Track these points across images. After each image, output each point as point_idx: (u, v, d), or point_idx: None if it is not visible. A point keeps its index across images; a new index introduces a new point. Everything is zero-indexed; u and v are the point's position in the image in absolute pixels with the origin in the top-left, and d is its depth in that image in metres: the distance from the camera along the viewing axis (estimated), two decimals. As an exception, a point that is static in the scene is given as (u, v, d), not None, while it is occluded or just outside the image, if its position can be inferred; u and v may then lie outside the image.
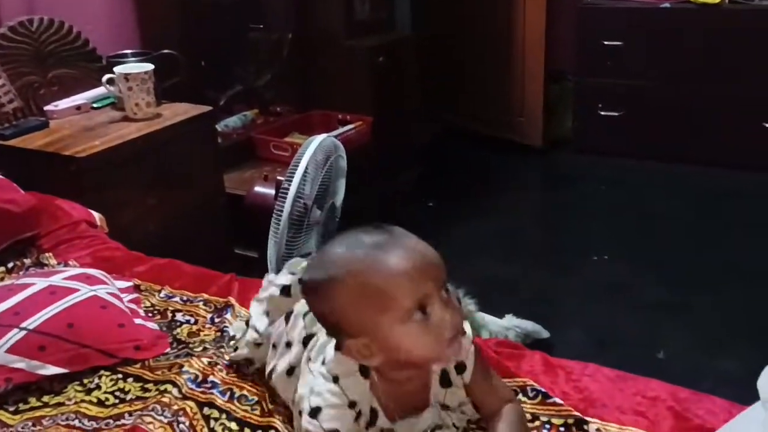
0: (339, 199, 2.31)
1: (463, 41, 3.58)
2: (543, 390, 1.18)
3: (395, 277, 0.90)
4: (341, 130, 2.72)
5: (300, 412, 1.00)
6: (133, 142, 2.07)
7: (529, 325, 2.13)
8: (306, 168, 2.13)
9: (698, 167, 3.12)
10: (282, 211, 2.06)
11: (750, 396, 0.98)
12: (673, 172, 3.16)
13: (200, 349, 1.35)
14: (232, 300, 1.49)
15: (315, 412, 0.97)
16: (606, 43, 3.18)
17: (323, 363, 1.01)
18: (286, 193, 2.08)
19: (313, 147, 2.15)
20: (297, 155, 2.15)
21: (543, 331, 2.15)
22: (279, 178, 2.17)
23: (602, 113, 3.27)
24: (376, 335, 0.92)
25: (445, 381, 1.03)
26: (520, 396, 1.18)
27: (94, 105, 2.32)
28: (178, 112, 2.25)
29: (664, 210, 2.95)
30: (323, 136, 2.22)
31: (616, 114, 3.24)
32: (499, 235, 2.85)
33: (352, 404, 0.98)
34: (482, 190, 3.20)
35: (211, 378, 1.26)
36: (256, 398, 1.21)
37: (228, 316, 1.44)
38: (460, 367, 1.03)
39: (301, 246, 2.14)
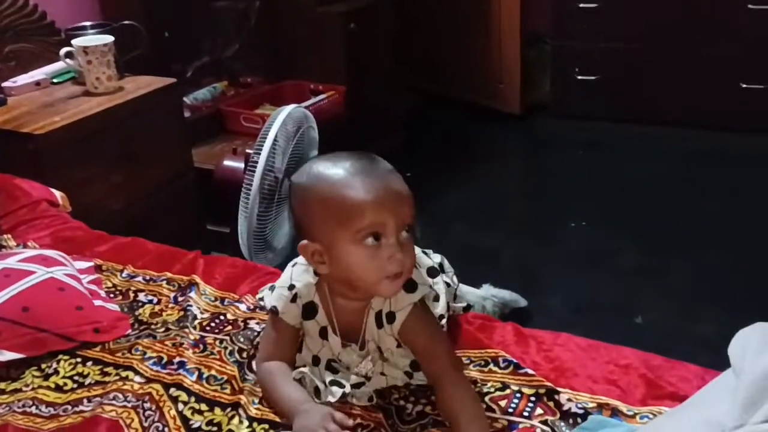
0: (311, 171, 2.26)
1: (439, 6, 3.50)
2: (514, 360, 1.16)
3: (358, 200, 0.98)
4: (313, 100, 2.66)
5: None
6: (94, 118, 2.01)
7: (506, 294, 2.10)
8: (275, 140, 2.07)
9: (677, 129, 3.09)
10: (251, 184, 2.01)
11: (724, 362, 0.96)
12: (652, 134, 3.13)
13: (162, 330, 1.31)
14: (197, 278, 1.45)
15: (270, 290, 1.14)
16: (582, 6, 3.12)
17: None
18: (255, 167, 2.03)
19: (281, 118, 2.10)
20: (265, 127, 2.10)
21: (520, 300, 2.12)
22: (248, 151, 2.12)
23: (579, 77, 3.22)
24: (329, 246, 1.01)
25: (378, 322, 1.09)
26: (491, 366, 1.15)
27: (54, 80, 2.25)
28: (141, 85, 2.18)
29: (642, 174, 2.93)
30: (292, 106, 2.17)
31: (593, 78, 3.20)
32: (478, 203, 2.82)
33: (291, 287, 1.11)
34: (461, 159, 3.15)
35: (177, 359, 1.22)
36: (225, 377, 1.18)
37: (192, 294, 1.39)
38: (390, 316, 1.08)
39: (272, 220, 2.10)
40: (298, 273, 1.12)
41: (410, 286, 1.07)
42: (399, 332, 1.07)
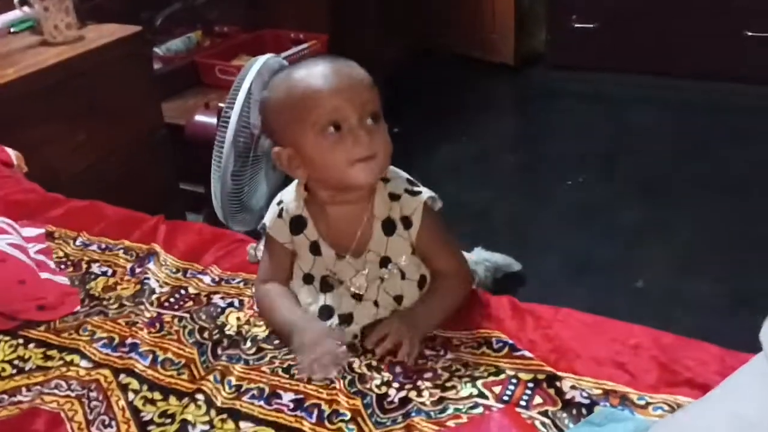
0: (290, 126, 2.09)
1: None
2: (509, 341, 1.01)
3: (311, 91, 0.98)
4: (293, 50, 2.47)
5: None
6: (52, 69, 1.82)
7: (499, 258, 1.95)
8: (249, 92, 1.89)
9: (679, 80, 2.91)
10: (224, 141, 1.84)
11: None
12: (653, 85, 2.95)
13: (116, 306, 1.16)
14: (157, 247, 1.29)
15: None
16: (580, -53, 2.91)
17: None
18: (228, 122, 1.85)
19: (255, 68, 1.91)
20: (238, 78, 1.90)
21: (514, 264, 1.98)
22: (221, 105, 1.93)
23: (577, 25, 3.02)
24: (298, 147, 1.00)
25: (389, 229, 1.05)
26: (483, 348, 1.01)
27: (12, 29, 2.05)
28: (103, 34, 1.99)
29: (643, 126, 2.76)
30: (268, 55, 1.97)
31: (591, 26, 3.00)
32: (469, 160, 2.65)
33: (279, 203, 1.10)
34: (451, 113, 2.97)
35: (130, 340, 1.07)
36: (183, 361, 1.03)
37: (151, 265, 1.24)
38: (406, 221, 1.05)
39: (249, 180, 1.93)
40: (290, 189, 1.10)
41: (413, 192, 1.06)
42: (417, 236, 1.04)
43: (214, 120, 1.96)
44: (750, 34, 2.78)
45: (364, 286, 1.04)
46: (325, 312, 1.05)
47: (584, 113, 2.92)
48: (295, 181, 1.09)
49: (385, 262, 1.05)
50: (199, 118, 2.03)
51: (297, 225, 1.07)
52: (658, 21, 2.92)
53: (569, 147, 2.69)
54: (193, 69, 2.47)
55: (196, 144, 2.01)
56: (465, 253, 1.93)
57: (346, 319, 1.04)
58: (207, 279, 1.20)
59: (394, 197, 1.04)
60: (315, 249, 1.06)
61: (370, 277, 1.04)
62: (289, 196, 1.09)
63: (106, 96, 1.95)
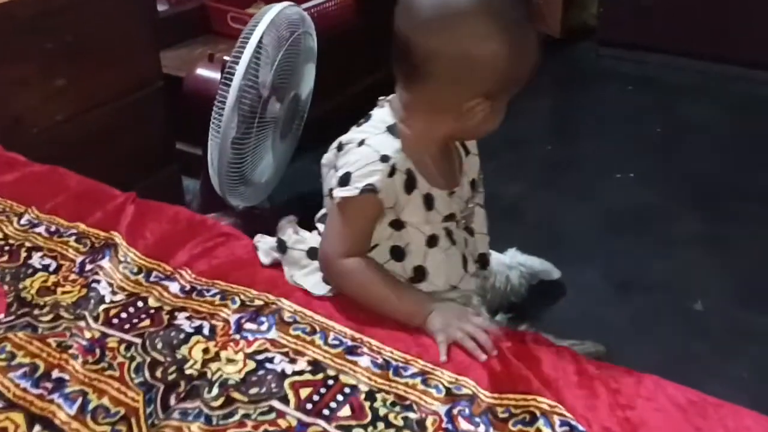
0: (305, 89, 1.76)
1: None
2: (577, 426, 0.71)
3: (533, 63, 0.90)
4: (317, 1, 2.12)
5: (330, 193, 0.91)
6: (25, 1, 1.50)
7: (536, 263, 1.63)
8: (259, 45, 1.57)
9: (743, 69, 2.53)
10: (225, 102, 1.53)
11: None
12: (716, 73, 2.57)
13: (49, 318, 0.86)
14: (117, 237, 0.98)
15: (344, 180, 0.89)
16: None
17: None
18: (231, 79, 1.54)
19: (268, 17, 1.58)
20: (247, 28, 1.58)
21: (554, 270, 1.66)
22: (225, 58, 1.61)
23: (634, -2, 2.64)
24: (496, 101, 0.91)
25: (465, 150, 1.02)
26: (539, 425, 0.71)
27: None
28: (95, -39, 1.66)
29: (702, 119, 2.40)
30: (285, 3, 1.64)
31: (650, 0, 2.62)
32: (503, 146, 2.29)
33: (384, 158, 0.89)
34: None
35: (56, 373, 0.78)
36: (121, 411, 0.74)
37: (105, 262, 0.94)
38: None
39: (252, 149, 1.62)
40: (381, 142, 0.90)
41: None
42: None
43: (217, 75, 1.64)
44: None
45: (472, 216, 1.01)
46: (464, 265, 0.96)
47: (635, 100, 2.55)
48: (374, 126, 0.92)
49: (472, 184, 1.03)
50: (201, 71, 1.71)
51: (410, 181, 0.91)
52: (729, 1, 2.53)
53: (617, 137, 2.34)
54: (203, 14, 2.14)
55: (195, 101, 1.70)
56: (498, 255, 1.66)
57: (484, 262, 1.01)
58: (174, 287, 0.90)
59: None
60: (428, 202, 0.93)
61: (469, 199, 1.01)
62: (391, 150, 0.89)
63: (94, 36, 1.63)
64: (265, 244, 0.98)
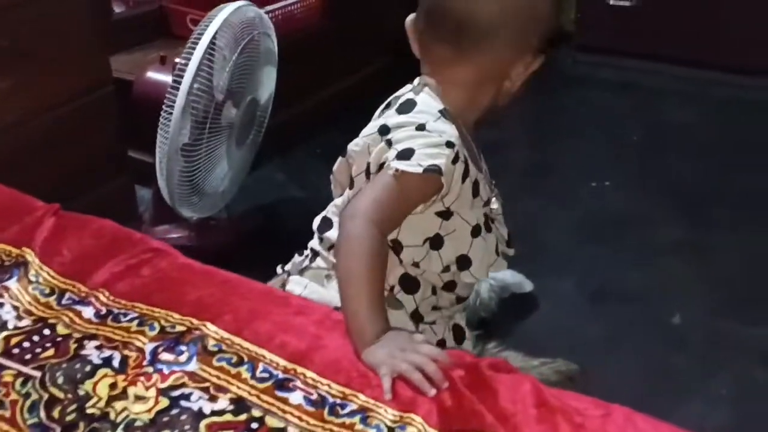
0: (265, 93, 1.66)
1: None
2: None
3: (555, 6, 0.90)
4: (281, 3, 2.03)
5: (380, 168, 0.84)
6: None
7: (508, 275, 1.54)
8: (213, 45, 1.47)
9: (725, 74, 2.45)
10: (173, 105, 1.42)
11: None
12: (696, 78, 2.49)
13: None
14: (29, 255, 0.87)
15: (405, 154, 0.81)
16: None
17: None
18: (181, 81, 1.43)
19: (222, 17, 1.48)
20: (199, 27, 1.48)
21: (526, 283, 1.57)
22: (176, 60, 1.51)
23: (611, 2, 2.56)
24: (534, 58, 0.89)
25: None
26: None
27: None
28: (39, -42, 1.55)
29: (681, 125, 2.32)
30: (240, 3, 1.55)
31: (628, 4, 2.54)
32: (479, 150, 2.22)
33: (449, 144, 0.84)
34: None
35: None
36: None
37: (12, 282, 0.83)
38: None
39: (205, 155, 1.51)
40: (442, 128, 0.84)
41: None
42: None
43: (168, 78, 1.53)
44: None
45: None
46: (493, 249, 0.93)
47: (614, 105, 2.47)
48: (439, 119, 0.85)
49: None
50: (151, 74, 1.60)
51: (466, 169, 0.87)
52: (705, 4, 2.46)
53: (595, 144, 2.25)
54: (161, 16, 2.03)
55: (145, 106, 1.59)
56: None
57: (510, 241, 0.98)
58: (88, 311, 0.79)
59: None
60: (476, 188, 0.90)
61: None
62: (452, 135, 0.84)
63: (39, 37, 1.52)
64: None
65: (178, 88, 1.41)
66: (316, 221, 0.96)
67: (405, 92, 0.91)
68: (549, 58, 2.67)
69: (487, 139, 2.36)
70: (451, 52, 0.85)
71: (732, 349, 1.47)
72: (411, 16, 0.90)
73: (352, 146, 0.90)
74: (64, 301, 0.81)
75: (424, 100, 0.87)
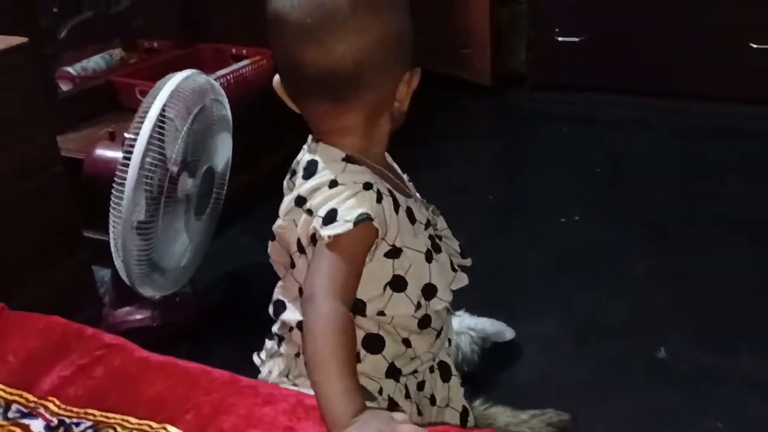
0: (221, 160, 1.60)
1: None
2: None
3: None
4: (232, 67, 2.00)
5: (312, 239, 0.79)
6: None
7: (487, 325, 1.49)
8: (162, 118, 1.41)
9: (677, 100, 2.49)
10: (125, 182, 1.36)
11: None
12: (648, 106, 2.52)
13: None
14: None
15: (330, 217, 0.77)
16: (563, -48, 2.50)
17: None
18: (130, 157, 1.37)
19: (170, 87, 1.43)
20: (146, 100, 1.43)
21: (507, 330, 1.51)
22: (126, 135, 1.45)
23: (560, 39, 2.59)
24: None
25: None
26: None
27: None
28: (-23, 45, 1.49)
29: (641, 154, 2.33)
30: (188, 71, 1.50)
31: (577, 39, 2.58)
32: (444, 194, 2.15)
33: (366, 185, 0.80)
34: (423, 139, 2.48)
35: None
36: None
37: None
38: None
39: (162, 231, 1.44)
40: (353, 174, 0.81)
41: None
42: None
43: (119, 154, 1.47)
44: (756, 46, 2.39)
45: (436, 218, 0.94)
46: (448, 268, 0.90)
47: (574, 140, 2.47)
48: (346, 167, 0.82)
49: None
50: (100, 152, 1.54)
51: (394, 201, 0.83)
52: (651, 34, 2.50)
53: (558, 179, 2.24)
54: (110, 91, 1.98)
55: (97, 185, 1.52)
56: None
57: (463, 252, 0.96)
58: (37, 425, 0.72)
59: None
60: (410, 215, 0.86)
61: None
62: (361, 175, 0.80)
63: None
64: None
65: (128, 164, 1.35)
66: (270, 307, 0.90)
67: (303, 156, 0.86)
68: (504, 104, 2.61)
69: (450, 182, 2.36)
70: (329, 104, 0.80)
71: (720, 380, 1.43)
72: (276, 77, 0.85)
73: (277, 228, 0.86)
74: (10, 414, 0.73)
75: (324, 155, 0.83)
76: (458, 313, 1.50)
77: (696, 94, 2.46)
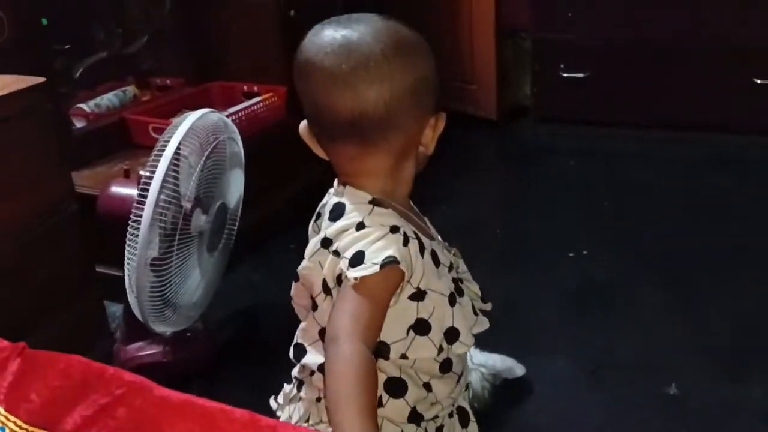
0: (234, 197, 1.63)
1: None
2: None
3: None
4: (244, 104, 2.03)
5: (338, 280, 0.80)
6: None
7: (498, 361, 1.49)
8: (177, 156, 1.44)
9: (680, 133, 2.52)
10: (140, 219, 1.38)
11: None
12: (651, 139, 2.56)
13: None
14: (-8, 404, 0.81)
15: (357, 259, 0.77)
16: (568, -10, 2.55)
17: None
18: (146, 195, 1.39)
19: (185, 126, 1.46)
20: (162, 138, 1.46)
21: (517, 367, 1.51)
22: (141, 172, 1.48)
23: (565, 75, 2.63)
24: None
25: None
26: None
27: None
28: (-6, 86, 1.52)
29: (645, 186, 2.35)
30: (203, 111, 1.53)
31: (581, 75, 2.62)
32: (451, 229, 2.18)
33: (394, 228, 0.80)
34: (430, 175, 2.51)
35: None
36: None
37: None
38: None
39: (176, 268, 1.46)
40: (380, 217, 0.81)
41: None
42: None
43: (133, 191, 1.49)
44: (760, 81, 2.42)
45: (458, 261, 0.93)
46: (470, 311, 0.88)
47: (578, 173, 2.50)
48: (373, 210, 0.82)
49: None
50: (115, 189, 1.56)
51: (420, 244, 0.83)
52: (655, 68, 2.54)
53: (565, 213, 2.25)
54: (122, 128, 2.01)
55: (112, 222, 1.54)
56: None
57: (484, 296, 0.93)
58: (59, 465, 0.72)
59: None
60: (435, 258, 0.85)
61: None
62: (387, 218, 0.81)
63: (-2, 159, 1.48)
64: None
65: (144, 201, 1.37)
66: (291, 350, 0.91)
67: (329, 199, 0.87)
68: (510, 138, 2.63)
69: (458, 218, 2.37)
70: (357, 147, 0.81)
71: (732, 414, 1.43)
72: (303, 123, 0.85)
73: (302, 269, 0.86)
74: (32, 455, 0.74)
75: (351, 198, 0.83)
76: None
77: (699, 128, 2.50)
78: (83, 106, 2.06)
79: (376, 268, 0.75)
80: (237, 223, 1.65)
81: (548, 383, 1.54)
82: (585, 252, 2.01)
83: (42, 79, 1.56)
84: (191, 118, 1.48)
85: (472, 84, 2.81)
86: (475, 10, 2.70)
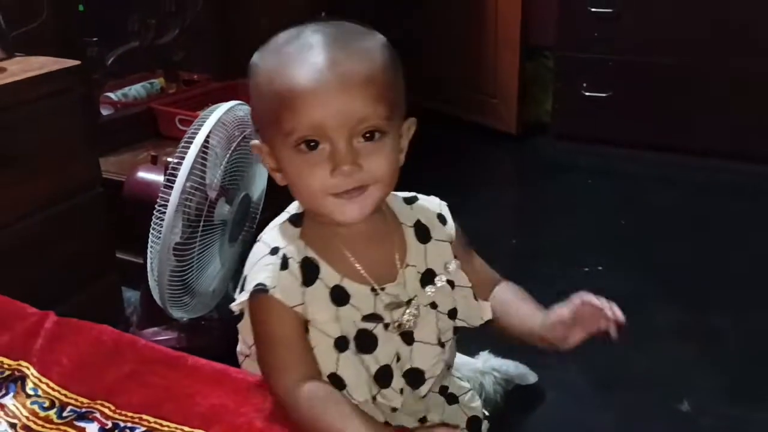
0: (257, 190, 1.65)
1: (428, 8, 2.93)
2: None
3: (289, 91, 0.70)
4: (269, 101, 2.06)
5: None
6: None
7: (511, 367, 1.51)
8: (206, 145, 1.47)
9: (701, 158, 2.53)
10: (167, 204, 1.40)
11: None
12: (671, 163, 2.57)
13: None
14: (27, 368, 0.82)
15: (242, 285, 0.75)
16: (594, 10, 2.58)
17: None
18: (174, 180, 1.42)
19: (215, 116, 1.49)
20: (192, 127, 1.48)
21: (529, 374, 1.53)
22: (169, 159, 1.50)
23: (587, 94, 2.66)
24: (274, 150, 0.74)
25: (423, 235, 0.84)
26: None
27: None
28: (30, 66, 1.55)
29: (663, 208, 2.36)
30: (234, 102, 1.56)
31: (603, 95, 2.64)
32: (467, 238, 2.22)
33: (274, 250, 0.74)
34: (448, 185, 2.50)
35: None
36: None
37: (8, 399, 0.77)
38: (442, 219, 0.87)
39: (197, 254, 1.48)
40: (276, 234, 0.76)
41: (421, 196, 0.88)
42: (455, 234, 0.86)
43: (160, 178, 1.52)
44: (780, 111, 2.44)
45: (416, 320, 0.78)
46: (382, 378, 0.75)
47: (595, 191, 2.52)
48: (279, 219, 0.79)
49: (426, 278, 0.81)
50: (142, 174, 1.59)
51: (309, 271, 0.74)
52: (678, 91, 2.56)
53: (581, 229, 2.27)
54: (150, 117, 2.05)
55: (136, 206, 1.57)
56: (469, 359, 1.52)
57: (416, 377, 0.77)
58: (92, 428, 0.74)
59: (409, 201, 0.85)
60: (339, 296, 0.75)
61: (419, 302, 0.79)
62: (279, 236, 0.75)
63: (26, 141, 1.51)
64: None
65: (171, 187, 1.39)
66: None
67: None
68: (528, 153, 2.65)
69: (473, 229, 2.38)
70: None
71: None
72: (254, 142, 0.78)
73: None
74: (65, 415, 0.76)
75: (291, 206, 0.79)
76: (483, 353, 1.52)
77: (720, 154, 2.51)
78: (111, 95, 2.09)
79: (246, 296, 0.72)
80: (258, 217, 1.68)
81: (559, 392, 1.55)
82: (600, 267, 2.02)
83: (77, 62, 1.60)
84: (221, 109, 1.50)
85: (495, 98, 2.84)
86: (501, 27, 2.73)
